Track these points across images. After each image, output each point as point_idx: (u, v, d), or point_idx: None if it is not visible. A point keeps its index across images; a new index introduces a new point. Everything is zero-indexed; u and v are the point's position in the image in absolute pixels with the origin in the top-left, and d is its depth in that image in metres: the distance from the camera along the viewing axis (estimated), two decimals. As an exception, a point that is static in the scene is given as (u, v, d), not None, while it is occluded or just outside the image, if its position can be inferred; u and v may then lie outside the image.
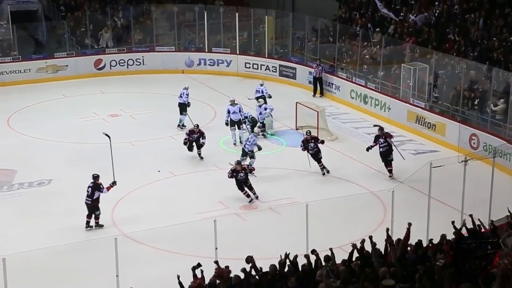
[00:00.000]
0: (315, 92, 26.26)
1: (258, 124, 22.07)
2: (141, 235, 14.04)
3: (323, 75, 26.17)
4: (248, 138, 19.59)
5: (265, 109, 22.12)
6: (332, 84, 26.13)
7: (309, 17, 28.09)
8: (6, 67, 27.81)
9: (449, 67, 22.86)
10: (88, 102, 25.57)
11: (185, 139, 20.01)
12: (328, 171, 19.18)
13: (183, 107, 22.78)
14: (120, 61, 29.31)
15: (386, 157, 18.91)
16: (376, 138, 19.10)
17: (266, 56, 28.82)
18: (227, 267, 10.97)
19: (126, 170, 19.17)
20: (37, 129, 22.71)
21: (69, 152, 20.79)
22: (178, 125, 22.80)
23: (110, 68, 29.10)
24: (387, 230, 12.10)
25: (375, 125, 20.18)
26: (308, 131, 19.71)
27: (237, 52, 29.30)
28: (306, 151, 19.12)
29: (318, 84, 26.24)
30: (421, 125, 22.33)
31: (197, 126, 20.09)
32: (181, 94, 22.88)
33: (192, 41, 30.54)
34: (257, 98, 23.09)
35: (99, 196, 15.98)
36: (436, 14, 25.45)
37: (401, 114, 23.07)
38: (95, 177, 16.03)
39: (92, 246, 13.59)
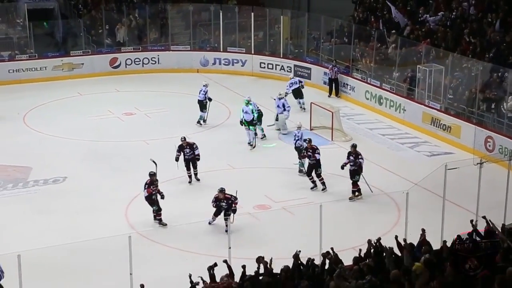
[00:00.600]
0: (330, 93, 26.22)
1: (286, 115, 22.23)
2: (154, 234, 14.09)
3: (339, 76, 26.11)
4: (295, 135, 19.54)
5: (284, 106, 22.10)
6: (347, 85, 26.09)
7: (325, 17, 28.06)
8: (23, 64, 27.97)
9: (465, 68, 22.75)
10: (103, 101, 25.67)
11: (177, 155, 18.52)
12: (316, 186, 18.21)
13: (201, 104, 22.87)
14: (136, 60, 29.40)
15: (352, 176, 17.69)
16: (348, 155, 17.98)
17: (281, 56, 28.81)
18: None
19: (140, 168, 19.22)
20: (53, 126, 22.82)
21: (84, 150, 20.88)
22: (198, 122, 22.93)
23: (126, 67, 29.21)
24: (396, 237, 11.97)
25: (307, 140, 18.57)
26: (308, 139, 18.64)
27: (252, 52, 29.31)
28: (305, 158, 18.48)
29: (333, 85, 26.20)
30: (436, 126, 22.24)
31: (184, 138, 18.60)
32: (200, 91, 23.03)
33: (207, 41, 30.59)
34: (292, 92, 24.21)
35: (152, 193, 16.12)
36: (452, 16, 25.34)
37: (416, 116, 22.99)
38: (151, 175, 16.19)
39: (106, 244, 13.61)
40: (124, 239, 12.11)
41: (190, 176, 18.59)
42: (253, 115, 21.08)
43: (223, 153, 20.72)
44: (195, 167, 18.60)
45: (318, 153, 18.05)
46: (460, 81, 22.60)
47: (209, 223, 16.02)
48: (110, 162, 19.99)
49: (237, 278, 10.98)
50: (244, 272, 10.73)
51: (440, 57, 23.44)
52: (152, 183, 16.13)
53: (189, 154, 18.40)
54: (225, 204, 15.89)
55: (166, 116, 24.02)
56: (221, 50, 29.70)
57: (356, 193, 17.51)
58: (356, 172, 17.55)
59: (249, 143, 21.24)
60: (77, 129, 22.61)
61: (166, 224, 15.96)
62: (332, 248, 11.04)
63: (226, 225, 14.42)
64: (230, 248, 12.79)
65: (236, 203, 15.96)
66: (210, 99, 23.03)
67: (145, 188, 16.13)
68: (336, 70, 26.00)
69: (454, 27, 24.85)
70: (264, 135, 21.91)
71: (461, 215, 15.17)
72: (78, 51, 28.91)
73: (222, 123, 23.24)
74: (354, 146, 18.01)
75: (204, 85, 23.20)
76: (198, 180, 18.67)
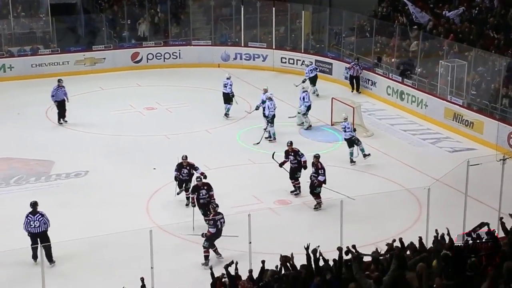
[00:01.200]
0: (353, 89, 26.09)
1: (300, 110, 22.26)
2: (175, 227, 14.12)
3: (361, 73, 25.91)
4: (344, 127, 19.60)
5: (303, 100, 22.13)
6: (369, 80, 25.98)
7: (347, 12, 27.94)
8: (45, 59, 28.17)
9: (488, 63, 22.56)
10: (124, 95, 25.79)
11: (176, 175, 16.89)
12: (297, 193, 17.59)
13: (227, 97, 22.99)
14: (157, 55, 29.50)
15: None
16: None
17: (302, 51, 28.75)
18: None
19: (161, 163, 19.33)
20: (75, 121, 22.95)
21: (106, 144, 21.00)
22: (225, 114, 23.08)
23: (147, 61, 29.31)
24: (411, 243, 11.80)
25: (288, 142, 17.92)
26: (289, 142, 17.90)
27: (273, 47, 29.29)
28: (283, 164, 17.69)
29: (354, 82, 26.03)
30: (458, 122, 22.09)
31: (186, 157, 16.88)
32: (225, 84, 23.11)
33: (228, 36, 30.61)
34: (310, 78, 24.73)
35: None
36: (475, 11, 25.13)
37: (438, 111, 22.85)
38: (184, 158, 16.85)
39: (128, 237, 13.68)
40: (145, 233, 12.17)
41: (188, 198, 16.69)
42: (269, 112, 21.01)
43: (243, 148, 20.74)
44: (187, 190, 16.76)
45: (301, 155, 17.55)
46: (483, 76, 22.42)
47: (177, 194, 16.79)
48: (131, 156, 20.09)
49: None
50: (263, 268, 10.72)
51: (463, 52, 23.27)
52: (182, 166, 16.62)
53: (185, 175, 16.73)
54: (205, 193, 15.53)
55: (187, 111, 24.08)
56: (242, 45, 29.71)
57: (317, 206, 16.84)
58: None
59: (267, 138, 21.20)
60: (99, 123, 22.74)
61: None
62: (354, 246, 10.99)
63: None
64: (250, 243, 12.79)
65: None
66: (233, 94, 23.06)
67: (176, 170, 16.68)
68: (358, 68, 25.79)
69: (477, 22, 24.65)
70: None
71: (483, 212, 15.07)
72: (100, 46, 29.06)
73: (244, 117, 23.24)
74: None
75: (227, 78, 23.26)
76: (187, 205, 16.76)
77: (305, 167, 17.47)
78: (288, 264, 10.72)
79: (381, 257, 10.73)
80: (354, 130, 19.70)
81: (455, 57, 23.42)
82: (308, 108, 22.16)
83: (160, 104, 24.59)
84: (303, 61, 27.77)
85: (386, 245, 11.39)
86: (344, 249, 10.76)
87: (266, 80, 27.12)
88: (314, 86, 25.40)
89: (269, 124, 21.15)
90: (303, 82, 24.26)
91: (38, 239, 13.74)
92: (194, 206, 15.63)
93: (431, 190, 14.11)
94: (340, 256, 10.57)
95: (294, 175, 17.66)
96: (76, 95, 25.72)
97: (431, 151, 20.90)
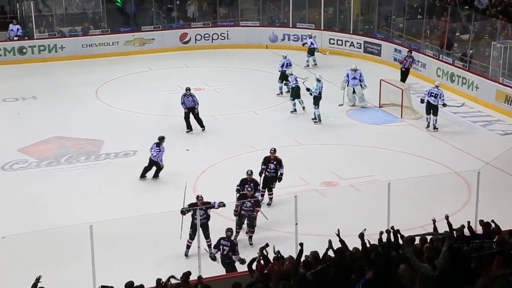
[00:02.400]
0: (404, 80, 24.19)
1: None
2: (222, 209, 14.19)
3: (411, 66, 24.63)
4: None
5: (360, 76, 22.25)
6: (418, 61, 25.61)
7: (397, -8, 27.58)
8: (96, 39, 28.51)
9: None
10: (173, 76, 25.94)
11: (186, 210, 13.93)
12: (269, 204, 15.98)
13: (284, 76, 23.15)
14: (205, 35, 29.57)
15: (269, 183, 15.88)
16: (266, 161, 16.10)
17: (351, 32, 28.48)
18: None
19: (209, 143, 19.44)
20: (124, 101, 23.22)
21: (154, 124, 21.16)
22: (280, 92, 23.39)
23: (195, 42, 29.42)
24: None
25: (272, 150, 16.37)
26: (273, 149, 16.36)
27: (322, 28, 29.07)
28: (261, 174, 15.92)
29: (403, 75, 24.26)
30: (510, 105, 21.67)
31: (201, 197, 14.07)
32: (286, 64, 23.41)
33: (276, 16, 30.49)
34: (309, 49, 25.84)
35: None
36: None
37: (489, 94, 22.44)
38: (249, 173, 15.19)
39: (175, 216, 13.82)
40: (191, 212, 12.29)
41: (189, 246, 13.87)
42: (314, 93, 20.92)
43: (290, 129, 20.71)
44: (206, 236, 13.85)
45: (282, 167, 16.04)
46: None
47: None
48: (179, 136, 20.23)
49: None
50: (301, 250, 10.67)
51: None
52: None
53: (202, 216, 13.57)
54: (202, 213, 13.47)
55: (235, 92, 24.14)
56: (291, 26, 29.58)
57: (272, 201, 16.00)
58: (275, 178, 15.96)
59: (312, 119, 21.14)
60: (148, 103, 22.94)
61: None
62: (398, 230, 10.88)
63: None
64: (296, 224, 12.79)
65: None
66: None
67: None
68: (410, 60, 24.45)
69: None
70: (295, 110, 21.88)
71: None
72: (149, 27, 29.27)
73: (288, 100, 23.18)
74: (273, 151, 16.25)
75: (284, 57, 23.52)
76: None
77: (280, 180, 16.01)
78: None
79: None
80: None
81: (509, 38, 22.93)
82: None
83: (208, 85, 24.68)
84: (352, 42, 27.57)
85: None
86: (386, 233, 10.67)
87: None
88: (313, 56, 26.32)
89: (314, 106, 21.05)
90: (355, 66, 23.36)
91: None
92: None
93: (481, 174, 13.89)
94: (389, 238, 10.49)
95: (269, 186, 15.96)
96: (125, 76, 26.04)
97: (481, 134, 20.57)
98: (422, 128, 20.66)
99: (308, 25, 29.27)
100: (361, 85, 22.23)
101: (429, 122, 20.63)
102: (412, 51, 24.86)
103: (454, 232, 10.72)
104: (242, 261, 12.27)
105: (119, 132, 20.63)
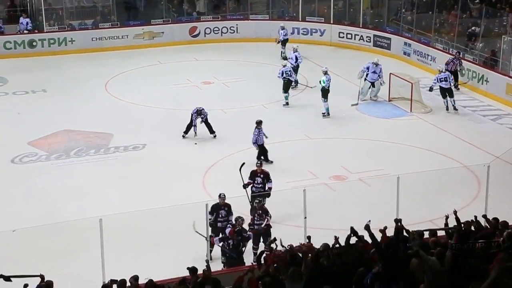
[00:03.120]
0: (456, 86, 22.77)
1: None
2: (231, 202, 14.20)
3: (459, 68, 23.12)
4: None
5: (380, 72, 22.23)
6: (428, 55, 25.52)
7: (407, -14, 27.47)
8: (106, 32, 28.53)
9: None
10: (182, 69, 25.96)
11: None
12: None
13: (295, 70, 23.22)
14: (215, 29, 29.56)
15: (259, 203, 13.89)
16: (252, 175, 15.08)
17: (361, 26, 28.40)
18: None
19: (218, 137, 19.46)
20: (133, 94, 23.25)
21: (163, 118, 21.21)
22: (295, 86, 23.31)
23: (205, 36, 29.41)
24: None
25: (258, 163, 15.62)
26: (259, 163, 15.70)
27: (331, 22, 29.01)
28: (247, 186, 14.93)
29: (452, 77, 22.20)
30: (520, 99, 21.61)
31: (224, 196, 13.76)
32: (292, 57, 23.46)
33: (286, 10, 30.43)
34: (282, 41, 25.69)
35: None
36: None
37: (499, 88, 22.34)
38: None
39: (184, 210, 13.85)
40: (201, 206, 12.32)
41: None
42: (322, 86, 20.88)
43: (299, 123, 20.70)
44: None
45: (270, 181, 15.05)
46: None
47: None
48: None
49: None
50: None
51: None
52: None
53: (223, 218, 13.49)
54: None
55: (244, 86, 24.12)
56: (300, 19, 29.52)
57: None
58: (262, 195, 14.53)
59: (322, 113, 21.12)
60: (157, 97, 22.96)
61: None
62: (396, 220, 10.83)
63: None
64: (305, 218, 12.81)
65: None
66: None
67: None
68: (458, 62, 22.99)
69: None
70: (287, 103, 21.99)
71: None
72: (158, 20, 29.28)
73: (300, 93, 23.17)
74: (260, 164, 15.47)
75: (294, 51, 23.51)
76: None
77: (269, 195, 14.65)
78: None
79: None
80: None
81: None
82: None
83: (217, 79, 24.68)
84: (361, 35, 27.52)
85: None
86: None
87: (324, 55, 27.01)
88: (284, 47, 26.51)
89: (323, 99, 21.01)
90: (377, 60, 22.60)
91: None
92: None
93: (490, 168, 13.86)
94: (397, 228, 10.46)
95: (254, 200, 14.33)
96: (135, 69, 26.06)
97: (491, 128, 20.49)
98: (431, 122, 20.60)
99: (317, 18, 29.21)
100: (379, 80, 22.07)
101: (447, 105, 21.26)
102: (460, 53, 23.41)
103: (462, 225, 10.66)
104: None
105: (128, 126, 20.65)
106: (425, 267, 9.10)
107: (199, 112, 19.39)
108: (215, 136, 19.58)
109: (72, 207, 15.52)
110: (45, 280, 9.99)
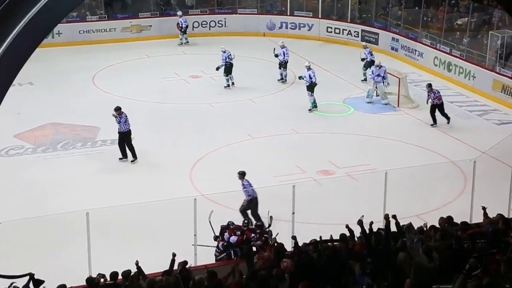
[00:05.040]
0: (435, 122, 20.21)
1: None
2: (218, 197, 14.21)
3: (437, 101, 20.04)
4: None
5: (384, 73, 21.93)
6: (415, 50, 25.59)
7: (395, -19, 27.51)
8: (93, 25, 28.41)
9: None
10: (170, 63, 25.90)
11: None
12: None
13: (282, 64, 23.31)
14: (203, 23, 29.49)
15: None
16: (222, 230, 12.96)
17: (349, 21, 28.43)
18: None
19: (205, 131, 19.44)
20: (120, 87, 23.17)
21: (151, 112, 21.15)
22: (282, 80, 23.39)
23: (193, 29, 29.31)
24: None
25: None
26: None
27: (319, 16, 29.02)
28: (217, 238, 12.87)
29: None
30: (507, 94, 21.68)
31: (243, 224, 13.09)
32: (284, 53, 23.35)
33: (274, 4, 30.40)
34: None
35: None
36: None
37: (486, 83, 22.44)
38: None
39: (172, 205, 13.83)
40: (189, 200, 12.30)
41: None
42: (311, 80, 20.86)
43: (287, 117, 20.71)
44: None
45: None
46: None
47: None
48: (175, 124, 20.22)
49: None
50: (296, 243, 10.70)
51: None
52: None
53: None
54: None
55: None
56: (288, 14, 29.51)
57: None
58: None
59: (309, 109, 21.11)
60: (144, 90, 22.90)
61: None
62: (394, 216, 10.90)
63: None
64: (293, 213, 12.83)
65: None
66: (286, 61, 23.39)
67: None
68: (432, 96, 20.01)
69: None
70: (229, 85, 22.72)
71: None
72: (146, 13, 29.17)
73: (287, 87, 23.18)
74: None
75: (281, 47, 23.38)
76: None
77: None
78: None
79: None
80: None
81: (505, 28, 22.91)
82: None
83: (205, 73, 24.63)
84: (349, 30, 27.47)
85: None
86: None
87: (312, 49, 27.01)
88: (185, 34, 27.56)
89: (309, 93, 21.00)
90: (379, 62, 22.22)
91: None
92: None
93: (477, 163, 13.94)
94: (387, 225, 10.50)
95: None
96: (122, 62, 25.96)
97: (478, 123, 20.59)
98: (418, 117, 20.67)
99: (306, 13, 29.20)
100: (383, 82, 21.93)
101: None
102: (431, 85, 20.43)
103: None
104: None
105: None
106: (412, 262, 9.14)
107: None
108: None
109: (59, 200, 15.47)
110: (35, 278, 9.76)
